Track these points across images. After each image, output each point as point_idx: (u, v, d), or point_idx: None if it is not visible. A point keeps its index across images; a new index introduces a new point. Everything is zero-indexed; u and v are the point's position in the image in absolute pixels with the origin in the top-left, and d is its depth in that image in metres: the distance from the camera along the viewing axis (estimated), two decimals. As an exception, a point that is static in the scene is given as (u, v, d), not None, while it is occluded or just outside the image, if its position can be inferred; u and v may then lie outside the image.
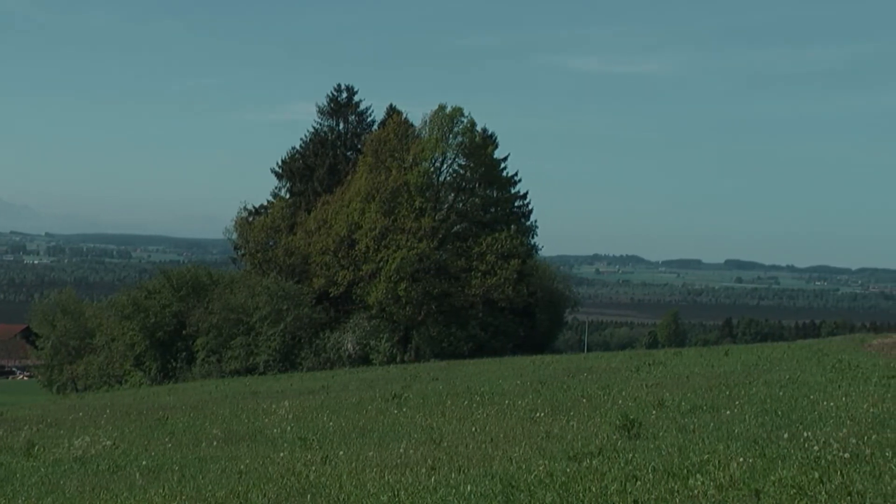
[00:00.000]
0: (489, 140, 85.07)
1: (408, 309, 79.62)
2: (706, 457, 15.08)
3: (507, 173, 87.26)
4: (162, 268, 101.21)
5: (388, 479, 15.97)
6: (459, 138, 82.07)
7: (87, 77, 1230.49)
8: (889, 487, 12.03)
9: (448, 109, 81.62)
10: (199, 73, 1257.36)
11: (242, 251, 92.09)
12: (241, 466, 19.60)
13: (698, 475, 13.59)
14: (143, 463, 21.60)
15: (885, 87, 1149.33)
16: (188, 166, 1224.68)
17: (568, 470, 15.04)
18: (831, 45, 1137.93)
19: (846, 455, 14.11)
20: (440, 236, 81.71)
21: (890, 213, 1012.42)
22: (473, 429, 22.92)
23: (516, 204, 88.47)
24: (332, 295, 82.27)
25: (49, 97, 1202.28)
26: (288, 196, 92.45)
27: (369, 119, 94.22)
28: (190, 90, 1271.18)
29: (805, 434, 16.61)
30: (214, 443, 24.82)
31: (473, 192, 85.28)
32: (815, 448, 15.02)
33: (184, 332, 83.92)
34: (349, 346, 77.72)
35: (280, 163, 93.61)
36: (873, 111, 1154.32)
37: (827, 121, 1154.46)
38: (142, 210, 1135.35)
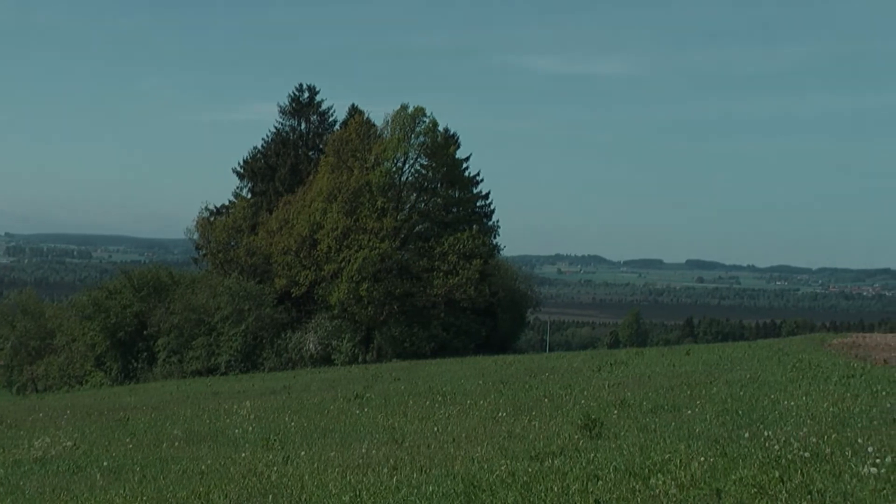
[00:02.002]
0: (451, 140, 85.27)
1: (370, 309, 79.62)
2: (667, 456, 15.12)
3: (469, 173, 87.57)
4: (123, 268, 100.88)
5: (350, 480, 15.95)
6: (421, 138, 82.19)
7: (44, 76, 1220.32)
8: (849, 486, 12.08)
9: (410, 109, 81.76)
10: (159, 72, 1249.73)
11: (204, 251, 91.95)
12: (203, 467, 19.55)
13: (659, 474, 13.62)
14: (104, 464, 21.50)
15: (847, 88, 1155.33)
16: (149, 166, 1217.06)
17: (530, 469, 15.05)
18: (793, 46, 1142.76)
19: (806, 454, 14.16)
20: (402, 236, 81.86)
21: (850, 214, 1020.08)
22: (435, 429, 22.92)
23: (478, 204, 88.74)
24: (293, 295, 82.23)
25: (6, 97, 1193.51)
26: (249, 196, 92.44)
27: (331, 119, 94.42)
28: (150, 90, 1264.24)
29: (766, 433, 16.68)
30: (175, 443, 24.73)
31: (435, 192, 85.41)
32: (776, 447, 15.07)
33: (145, 332, 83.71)
34: (311, 346, 77.67)
35: (242, 163, 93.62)
36: (835, 111, 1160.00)
37: (788, 121, 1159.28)
38: (102, 210, 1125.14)
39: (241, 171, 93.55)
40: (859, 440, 15.20)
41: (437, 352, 76.81)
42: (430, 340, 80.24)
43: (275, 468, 18.17)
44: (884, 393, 23.05)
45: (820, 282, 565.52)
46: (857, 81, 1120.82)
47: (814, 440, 15.50)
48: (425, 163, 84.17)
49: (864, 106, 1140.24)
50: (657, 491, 12.72)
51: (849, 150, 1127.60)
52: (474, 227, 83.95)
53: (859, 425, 17.59)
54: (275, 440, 23.03)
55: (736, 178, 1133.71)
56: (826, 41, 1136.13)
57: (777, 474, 12.84)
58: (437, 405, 28.75)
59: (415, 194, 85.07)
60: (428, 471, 16.21)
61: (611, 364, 42.83)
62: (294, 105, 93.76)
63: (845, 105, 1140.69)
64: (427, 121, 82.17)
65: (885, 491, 11.80)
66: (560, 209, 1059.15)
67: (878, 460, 13.05)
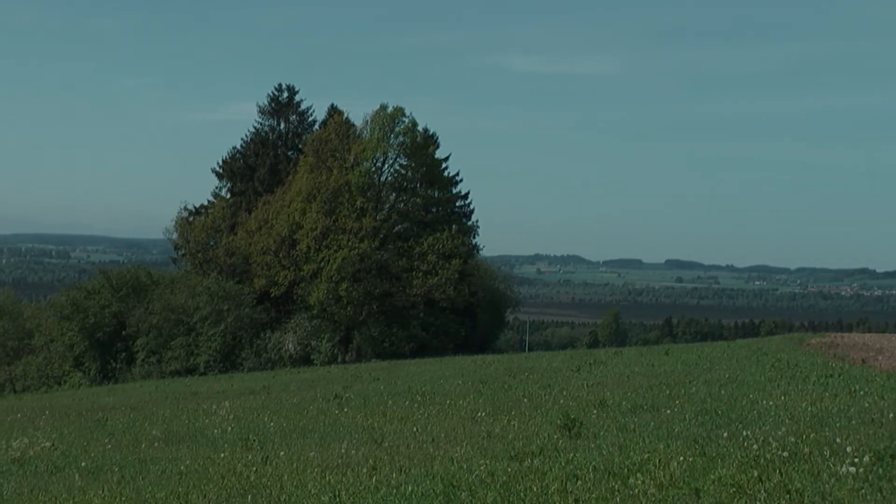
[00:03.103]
0: (430, 140, 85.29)
1: (349, 309, 79.61)
2: (646, 456, 15.14)
3: (449, 173, 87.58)
4: (101, 268, 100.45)
5: (329, 480, 15.94)
6: (401, 138, 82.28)
7: (22, 75, 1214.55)
8: (827, 486, 12.12)
9: (389, 109, 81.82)
10: (137, 72, 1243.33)
11: (183, 251, 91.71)
12: (182, 467, 19.52)
13: (639, 474, 13.64)
14: (83, 464, 21.46)
15: (821, 89, 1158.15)
16: (127, 166, 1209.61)
17: (509, 469, 15.06)
18: (775, 46, 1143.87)
19: (785, 454, 14.20)
20: (381, 236, 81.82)
21: (828, 214, 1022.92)
22: (415, 429, 22.93)
23: (457, 204, 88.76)
24: (273, 295, 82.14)
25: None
26: (229, 196, 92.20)
27: (310, 119, 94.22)
28: (129, 90, 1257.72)
29: (744, 433, 16.73)
30: (154, 444, 24.70)
31: (415, 191, 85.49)
32: (755, 447, 15.11)
33: (124, 332, 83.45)
34: (290, 346, 77.56)
35: (221, 162, 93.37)
36: (813, 112, 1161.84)
37: (764, 121, 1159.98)
38: (81, 210, 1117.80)
39: (220, 170, 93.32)
40: (838, 440, 15.25)
41: (417, 352, 76.86)
42: (409, 340, 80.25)
43: (254, 468, 18.15)
44: (862, 392, 23.15)
45: (798, 282, 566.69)
46: (834, 83, 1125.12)
47: (792, 440, 15.55)
48: (404, 163, 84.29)
49: (842, 107, 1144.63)
50: (636, 490, 12.75)
51: (827, 151, 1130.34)
52: (453, 226, 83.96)
53: (838, 425, 17.65)
54: (254, 440, 23.00)
55: (715, 178, 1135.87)
56: (808, 42, 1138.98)
57: (755, 474, 12.88)
58: (416, 405, 28.78)
59: (394, 194, 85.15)
60: (407, 471, 16.21)
61: (590, 364, 42.91)
62: (273, 105, 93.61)
63: (824, 106, 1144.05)
64: (406, 121, 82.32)
65: (863, 490, 11.84)
66: (539, 209, 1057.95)
67: (856, 460, 13.11)
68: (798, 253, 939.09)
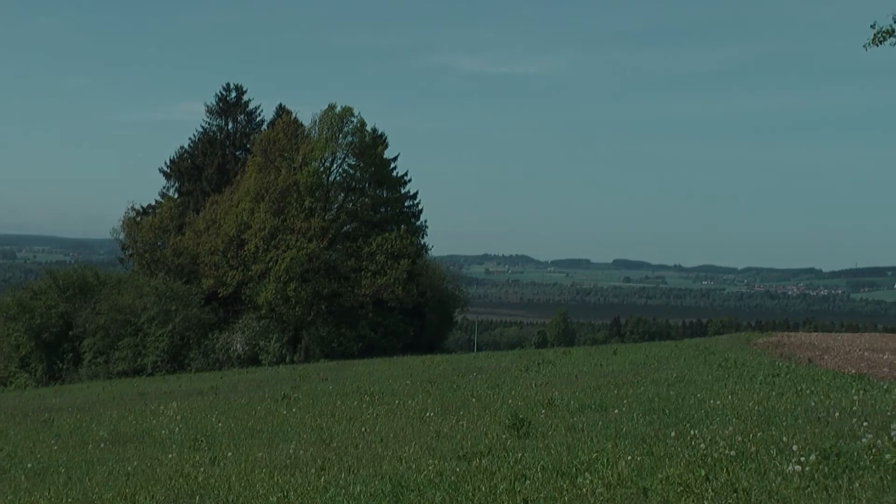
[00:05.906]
0: (379, 140, 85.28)
1: (297, 309, 79.49)
2: (595, 455, 15.16)
3: (397, 173, 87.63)
4: (48, 268, 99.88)
5: (278, 480, 15.90)
6: (349, 138, 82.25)
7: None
8: (774, 484, 12.17)
9: (338, 109, 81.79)
10: (83, 70, 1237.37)
11: (130, 251, 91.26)
12: (129, 468, 19.41)
13: (587, 473, 13.66)
14: (29, 465, 21.33)
15: (765, 89, 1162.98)
16: (74, 166, 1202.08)
17: (457, 469, 15.05)
18: (713, 47, 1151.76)
19: (732, 452, 14.25)
20: (330, 236, 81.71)
21: (774, 213, 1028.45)
22: (363, 429, 22.90)
23: (406, 204, 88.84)
24: (221, 295, 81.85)
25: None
26: (176, 196, 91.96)
27: (258, 119, 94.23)
28: (75, 88, 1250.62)
29: (692, 432, 16.78)
30: (101, 445, 24.56)
31: (363, 191, 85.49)
32: (702, 446, 15.17)
33: (70, 333, 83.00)
34: (238, 346, 77.31)
35: (168, 162, 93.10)
36: (758, 112, 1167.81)
37: (708, 121, 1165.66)
38: (27, 210, 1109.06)
39: (168, 170, 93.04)
40: (784, 438, 15.32)
41: (365, 352, 76.83)
42: (357, 340, 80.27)
43: (202, 469, 18.08)
44: (808, 391, 23.30)
45: (745, 281, 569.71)
46: (778, 83, 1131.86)
47: (739, 439, 15.62)
48: (353, 163, 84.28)
49: (787, 107, 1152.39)
50: (584, 490, 12.76)
51: (772, 151, 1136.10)
52: (402, 226, 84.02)
53: (784, 423, 17.74)
54: (202, 441, 22.92)
55: (661, 178, 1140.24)
56: (752, 43, 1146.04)
57: (703, 473, 12.91)
58: (364, 405, 28.78)
59: (343, 194, 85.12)
60: (356, 471, 16.18)
61: (538, 364, 42.97)
62: (221, 105, 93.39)
63: (769, 106, 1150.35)
64: (355, 120, 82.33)
65: (809, 489, 11.90)
66: (488, 209, 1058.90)
67: (802, 458, 13.16)
68: (745, 253, 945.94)
